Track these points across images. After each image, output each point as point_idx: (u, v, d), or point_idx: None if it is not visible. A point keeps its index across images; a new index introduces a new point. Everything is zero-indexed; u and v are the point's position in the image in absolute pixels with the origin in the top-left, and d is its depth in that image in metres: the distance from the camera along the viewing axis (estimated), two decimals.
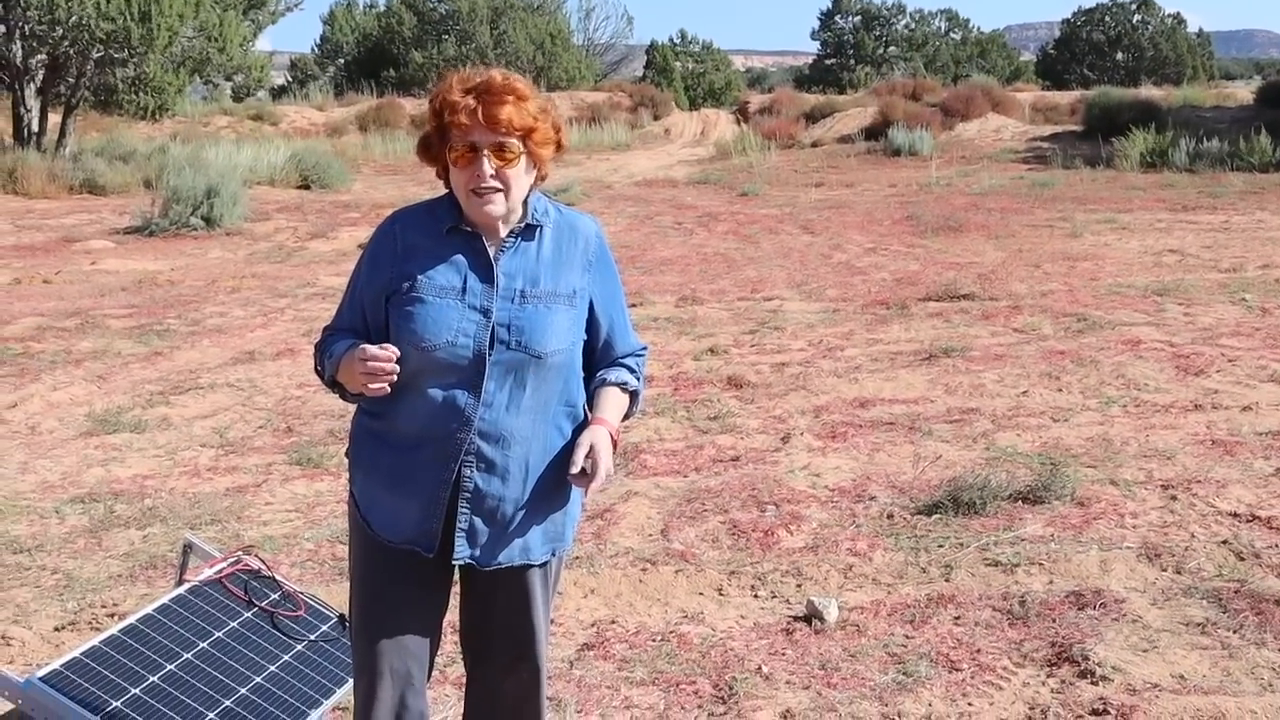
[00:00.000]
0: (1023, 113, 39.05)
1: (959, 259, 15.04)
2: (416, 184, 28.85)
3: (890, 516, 6.22)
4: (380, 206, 22.06)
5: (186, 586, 4.32)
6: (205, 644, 4.09)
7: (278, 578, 4.57)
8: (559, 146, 3.13)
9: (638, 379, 3.25)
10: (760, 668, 4.60)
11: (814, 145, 36.93)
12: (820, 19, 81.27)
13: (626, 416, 3.23)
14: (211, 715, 3.83)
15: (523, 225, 3.11)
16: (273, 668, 4.14)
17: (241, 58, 29.53)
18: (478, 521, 3.11)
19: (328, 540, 6.10)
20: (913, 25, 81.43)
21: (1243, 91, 44.19)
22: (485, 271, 3.06)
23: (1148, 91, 41.61)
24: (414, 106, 44.34)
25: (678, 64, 72.39)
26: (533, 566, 3.19)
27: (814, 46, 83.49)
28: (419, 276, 3.06)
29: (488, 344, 3.02)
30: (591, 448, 3.04)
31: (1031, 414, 8.00)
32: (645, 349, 3.33)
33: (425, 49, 60.16)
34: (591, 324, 3.19)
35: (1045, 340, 10.12)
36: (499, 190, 3.01)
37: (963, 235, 17.34)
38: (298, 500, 6.79)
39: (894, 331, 10.74)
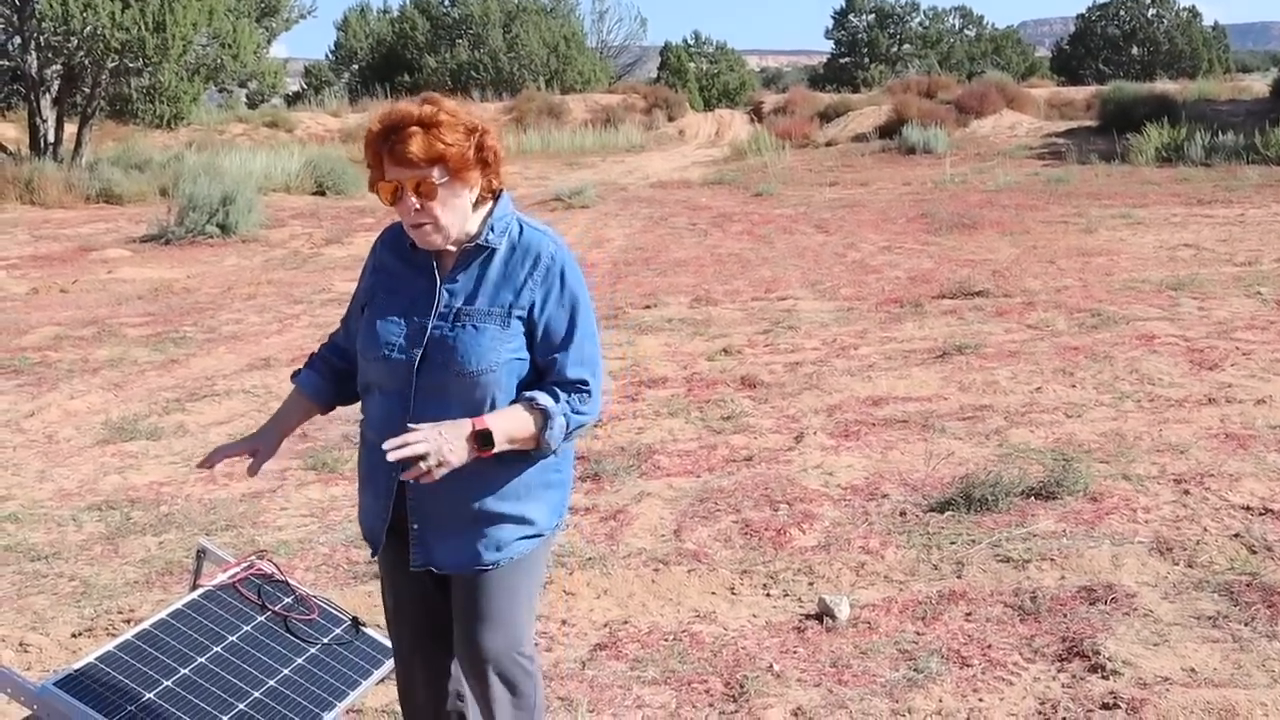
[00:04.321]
0: (1038, 109, 38.98)
1: (973, 256, 15.03)
2: None
3: (902, 514, 6.23)
4: (394, 213, 22.12)
5: (200, 591, 4.34)
6: (219, 648, 4.12)
7: (291, 582, 4.59)
8: (485, 164, 3.16)
9: (556, 401, 3.13)
10: (771, 666, 4.62)
11: (828, 144, 36.93)
12: (834, 18, 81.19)
13: (539, 443, 3.13)
14: (225, 718, 3.86)
15: (473, 246, 3.18)
16: (286, 671, 4.17)
17: (255, 65, 29.62)
18: (424, 529, 3.22)
19: (342, 544, 6.13)
20: (927, 23, 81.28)
21: (1259, 84, 43.99)
22: (430, 290, 3.18)
23: (1163, 86, 41.41)
24: None
25: (692, 65, 72.39)
26: (487, 572, 3.24)
27: (828, 45, 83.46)
28: (379, 292, 3.28)
29: (418, 359, 3.12)
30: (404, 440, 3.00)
31: (1045, 410, 8.00)
32: (586, 384, 3.19)
33: (439, 54, 60.30)
34: (532, 345, 3.18)
35: (1059, 336, 10.11)
36: (428, 222, 3.10)
37: (977, 232, 17.32)
38: (312, 505, 6.82)
39: (908, 329, 10.74)
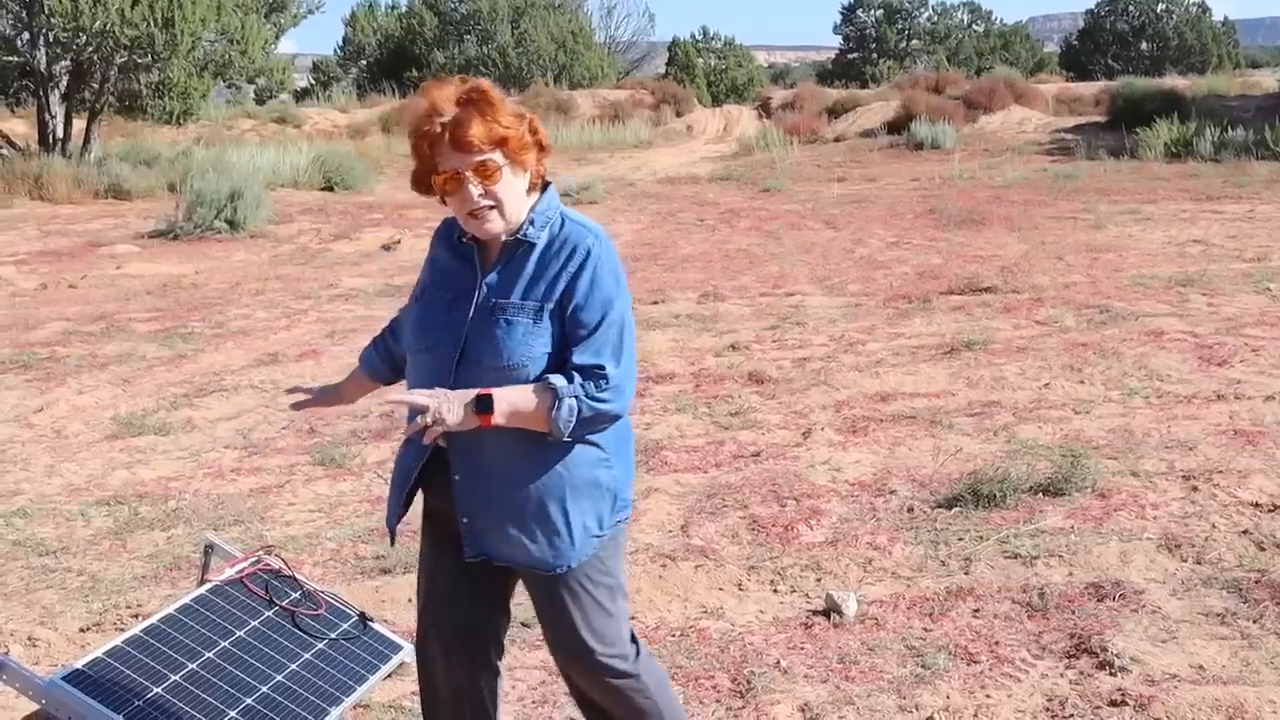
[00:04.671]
0: (1046, 104, 38.92)
1: (981, 252, 15.01)
2: None
3: (910, 510, 6.22)
4: (403, 207, 22.10)
5: (208, 586, 4.35)
6: (226, 643, 4.13)
7: (298, 577, 4.61)
8: (541, 147, 3.16)
9: (569, 384, 3.02)
10: (779, 662, 4.62)
11: (836, 140, 36.89)
12: (842, 13, 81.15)
13: (548, 424, 3.03)
14: (233, 713, 3.86)
15: (514, 238, 3.14)
16: (294, 666, 4.18)
17: (264, 61, 29.66)
18: (472, 523, 3.18)
19: (349, 540, 6.13)
20: (935, 18, 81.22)
21: (1269, 80, 43.91)
22: (472, 285, 3.15)
23: (1172, 81, 41.32)
24: None
25: (700, 60, 72.37)
26: (549, 577, 3.20)
27: (836, 41, 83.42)
28: (429, 285, 3.27)
29: (457, 355, 3.09)
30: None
31: (1053, 406, 7.99)
32: (603, 370, 3.07)
33: (447, 49, 60.34)
34: (562, 336, 3.11)
35: (1067, 332, 10.10)
36: (492, 207, 3.06)
37: (985, 228, 17.30)
38: (320, 500, 6.83)
39: (915, 325, 10.73)
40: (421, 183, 3.12)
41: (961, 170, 26.01)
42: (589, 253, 3.10)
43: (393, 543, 3.50)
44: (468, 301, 3.13)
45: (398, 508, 3.35)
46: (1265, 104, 32.03)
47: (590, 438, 3.16)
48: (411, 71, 58.45)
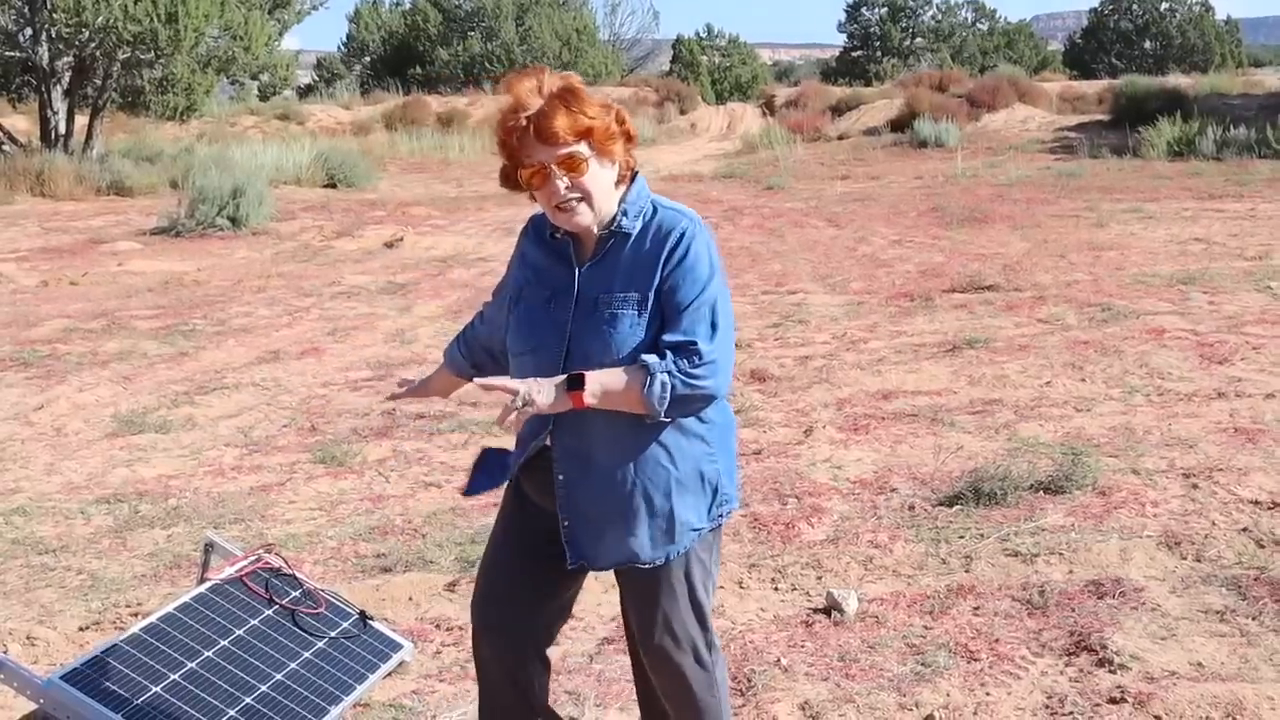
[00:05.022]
0: (1050, 103, 38.84)
1: (984, 250, 15.00)
2: (443, 182, 28.95)
3: (911, 508, 6.22)
4: (406, 205, 22.13)
5: (208, 585, 4.35)
6: (226, 642, 4.13)
7: (299, 575, 4.61)
8: (629, 137, 3.12)
9: (663, 360, 2.98)
10: (779, 660, 4.62)
11: (840, 138, 36.85)
12: (847, 11, 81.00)
13: (643, 404, 2.98)
14: (232, 712, 3.86)
15: (608, 230, 3.11)
16: (293, 665, 4.18)
17: (267, 57, 29.65)
18: (575, 526, 3.16)
19: (350, 538, 6.14)
20: (939, 16, 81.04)
21: (1271, 78, 43.90)
22: (569, 281, 3.11)
23: (1175, 80, 41.24)
24: (440, 104, 44.47)
25: (704, 58, 72.33)
26: (645, 566, 3.18)
27: (840, 39, 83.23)
28: (523, 284, 3.22)
29: (563, 354, 3.06)
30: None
31: (1054, 404, 7.99)
32: (694, 346, 3.00)
33: (451, 46, 60.31)
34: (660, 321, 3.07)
35: (1069, 330, 10.09)
36: (580, 199, 3.03)
37: (988, 226, 17.29)
38: (321, 498, 6.83)
39: (918, 323, 10.73)
40: (509, 178, 3.09)
41: (964, 168, 26.00)
42: (683, 234, 3.07)
43: (467, 495, 3.48)
44: (567, 298, 3.10)
45: (489, 484, 3.34)
46: (1268, 102, 32.00)
47: (696, 431, 3.15)
48: (415, 69, 58.50)
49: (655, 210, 3.14)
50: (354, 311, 12.45)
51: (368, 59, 65.77)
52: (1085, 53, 75.24)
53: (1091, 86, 44.55)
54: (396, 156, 33.91)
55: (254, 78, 37.52)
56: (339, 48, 69.07)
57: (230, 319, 12.08)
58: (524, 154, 3.00)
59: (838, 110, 42.17)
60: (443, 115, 42.28)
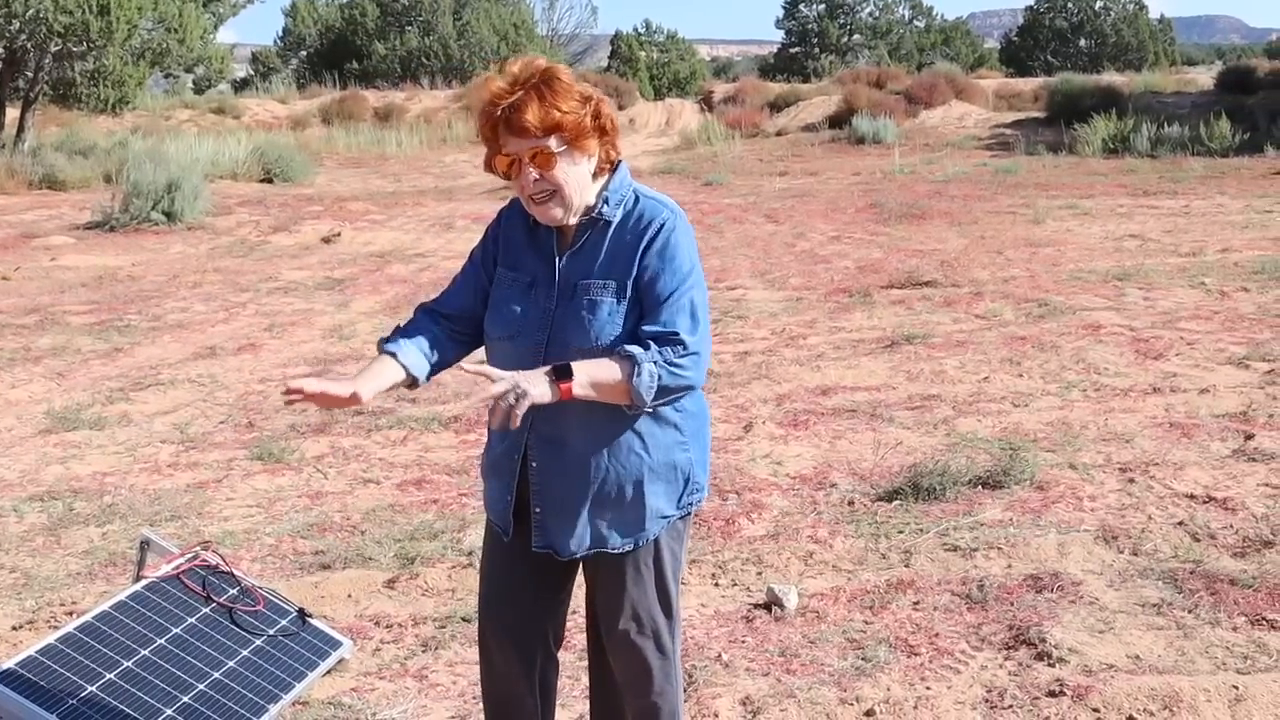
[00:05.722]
0: (986, 100, 39.12)
1: (922, 246, 15.09)
2: (380, 177, 28.79)
3: (851, 503, 6.24)
4: (343, 199, 21.99)
5: (144, 583, 4.31)
6: (163, 640, 4.08)
7: (236, 573, 4.56)
8: (603, 132, 3.11)
9: (646, 350, 2.98)
10: (720, 655, 4.62)
11: (778, 134, 36.93)
12: (785, 7, 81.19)
13: (629, 395, 2.98)
14: (170, 711, 3.82)
15: (588, 219, 3.11)
16: (232, 663, 4.14)
17: (202, 50, 29.35)
18: (545, 513, 3.16)
19: (289, 535, 6.08)
20: (877, 13, 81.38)
21: (1204, 77, 44.35)
22: (549, 268, 3.12)
23: (1110, 78, 41.68)
24: (377, 99, 44.16)
25: (642, 54, 72.36)
26: (613, 554, 3.19)
27: (779, 35, 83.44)
28: (504, 270, 3.20)
29: (544, 341, 3.06)
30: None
31: (992, 400, 8.04)
32: (678, 336, 3.02)
33: (388, 40, 59.99)
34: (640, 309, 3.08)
35: (1006, 326, 10.17)
36: (551, 193, 3.03)
37: (926, 223, 17.39)
38: (259, 495, 6.77)
39: (856, 319, 10.78)
40: (489, 165, 3.10)
41: (902, 165, 26.15)
42: (663, 225, 3.09)
43: (509, 535, 3.26)
44: (548, 285, 3.11)
45: (507, 498, 3.23)
46: (1200, 101, 32.42)
47: (671, 420, 3.16)
48: (352, 63, 58.11)
49: (637, 199, 3.15)
50: (291, 307, 12.36)
51: (304, 53, 65.31)
52: (1021, 50, 75.83)
53: (1027, 84, 44.85)
54: (333, 151, 33.66)
55: (189, 71, 37.17)
56: (275, 41, 68.58)
57: (166, 314, 11.96)
58: (500, 143, 3.01)
59: (776, 106, 42.24)
60: (380, 110, 42.04)
